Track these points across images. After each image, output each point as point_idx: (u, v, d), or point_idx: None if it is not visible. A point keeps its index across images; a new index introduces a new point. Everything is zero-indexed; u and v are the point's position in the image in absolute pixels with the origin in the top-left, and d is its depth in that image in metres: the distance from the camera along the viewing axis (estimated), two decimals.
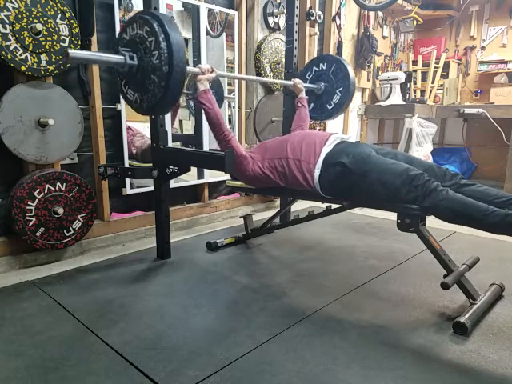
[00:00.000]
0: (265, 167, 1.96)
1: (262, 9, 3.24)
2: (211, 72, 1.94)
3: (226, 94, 3.16)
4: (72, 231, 2.22)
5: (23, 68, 1.96)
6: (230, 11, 3.03)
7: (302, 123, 2.45)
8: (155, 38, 1.52)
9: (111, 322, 1.58)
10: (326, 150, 1.86)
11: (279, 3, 3.30)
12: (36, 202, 2.07)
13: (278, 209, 2.89)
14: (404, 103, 4.26)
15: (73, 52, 1.48)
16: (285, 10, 3.01)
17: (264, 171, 1.96)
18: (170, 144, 2.67)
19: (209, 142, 2.95)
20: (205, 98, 1.89)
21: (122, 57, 1.61)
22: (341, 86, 2.57)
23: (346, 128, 4.33)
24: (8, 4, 1.87)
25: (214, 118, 1.91)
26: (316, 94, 2.66)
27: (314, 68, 2.68)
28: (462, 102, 4.78)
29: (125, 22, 1.69)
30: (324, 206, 2.24)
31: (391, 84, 4.31)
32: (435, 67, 4.70)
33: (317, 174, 1.83)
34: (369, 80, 4.54)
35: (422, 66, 4.89)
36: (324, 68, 2.64)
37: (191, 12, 2.88)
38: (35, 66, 2.00)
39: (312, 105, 2.69)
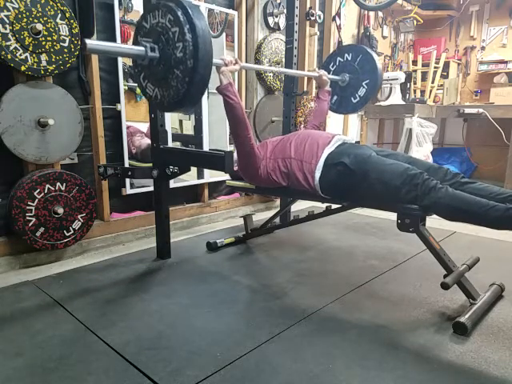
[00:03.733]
0: (269, 167, 1.96)
1: (262, 9, 3.24)
2: (235, 64, 1.82)
3: None
4: (72, 231, 2.22)
5: (23, 68, 1.96)
6: (230, 11, 3.03)
7: (319, 119, 2.41)
8: (179, 29, 1.38)
9: (111, 322, 1.58)
10: (327, 150, 1.86)
11: (279, 3, 3.30)
12: (36, 201, 2.07)
13: (278, 209, 2.89)
14: (404, 103, 4.25)
15: (91, 43, 1.36)
16: (285, 10, 3.01)
17: (268, 171, 1.96)
18: (170, 144, 2.67)
19: (209, 142, 2.95)
20: (231, 92, 1.77)
21: (143, 48, 1.47)
22: (367, 79, 2.43)
23: (345, 128, 4.33)
24: (8, 4, 1.87)
25: (240, 114, 1.80)
26: (340, 86, 2.53)
27: (339, 58, 2.54)
28: (462, 102, 4.78)
29: (145, 8, 1.52)
30: (324, 206, 2.24)
31: (391, 84, 4.31)
32: (435, 67, 4.70)
33: (317, 174, 1.83)
34: None
35: (422, 66, 4.89)
36: (349, 59, 2.49)
37: None
38: (35, 66, 2.00)
39: (335, 97, 2.56)
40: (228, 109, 1.80)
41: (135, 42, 1.58)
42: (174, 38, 1.42)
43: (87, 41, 1.35)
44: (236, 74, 3.16)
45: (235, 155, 2.01)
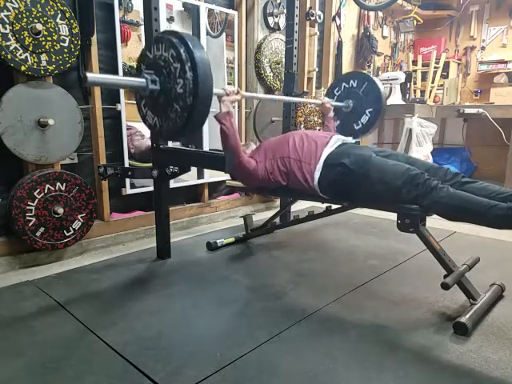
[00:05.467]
0: (268, 167, 1.96)
1: (262, 9, 3.24)
2: (236, 94, 1.85)
3: None
4: (72, 231, 2.22)
5: (23, 68, 1.96)
6: (230, 11, 3.03)
7: None
8: (181, 66, 1.40)
9: (111, 322, 1.58)
10: (327, 151, 1.86)
11: (279, 3, 3.30)
12: (36, 201, 2.07)
13: (278, 209, 2.89)
14: (404, 103, 4.25)
15: (91, 76, 1.38)
16: (285, 10, 3.01)
17: (268, 171, 1.96)
18: (170, 144, 2.67)
19: (209, 142, 2.95)
20: (227, 121, 1.80)
21: (144, 80, 1.49)
22: (371, 107, 2.45)
23: None
24: (8, 4, 1.87)
25: (233, 142, 1.84)
26: (343, 112, 2.54)
27: (344, 84, 2.56)
28: (462, 102, 4.78)
29: (149, 38, 1.52)
30: (324, 206, 2.24)
31: (391, 84, 4.31)
32: (435, 67, 4.70)
33: (317, 175, 1.83)
34: None
35: (422, 66, 4.89)
36: (354, 85, 2.51)
37: (191, 12, 2.88)
38: (35, 66, 2.00)
39: (338, 122, 2.57)
40: (222, 136, 1.84)
41: (138, 71, 1.60)
42: (175, 73, 1.44)
43: (88, 74, 1.36)
44: (236, 73, 3.17)
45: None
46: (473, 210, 1.52)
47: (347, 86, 2.55)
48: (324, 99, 2.45)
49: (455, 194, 1.57)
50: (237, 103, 3.18)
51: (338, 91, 2.60)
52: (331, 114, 2.46)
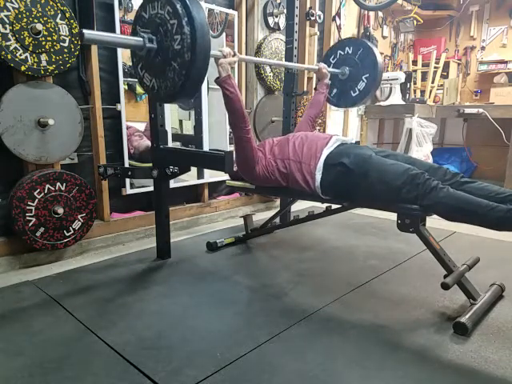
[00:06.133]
0: (269, 166, 1.96)
1: (262, 9, 3.23)
2: (233, 56, 1.82)
3: None
4: (72, 231, 2.22)
5: (23, 68, 1.96)
6: (230, 11, 3.03)
7: (315, 111, 2.41)
8: (178, 21, 1.38)
9: (111, 322, 1.58)
10: (326, 151, 1.86)
11: (279, 3, 3.30)
12: (36, 201, 2.07)
13: (278, 209, 2.89)
14: (404, 103, 4.25)
15: (88, 32, 1.35)
16: (285, 10, 3.01)
17: (268, 170, 1.96)
18: (170, 144, 2.67)
19: (209, 142, 2.95)
20: (229, 84, 1.77)
21: (141, 39, 1.47)
22: (367, 73, 2.43)
23: (345, 128, 4.33)
24: (8, 4, 1.87)
25: (238, 105, 1.81)
26: (340, 80, 2.51)
27: (339, 51, 2.54)
28: (462, 102, 4.78)
29: None
30: (324, 206, 2.24)
31: (391, 84, 4.31)
32: (435, 67, 4.70)
33: (318, 176, 1.83)
34: None
35: (422, 66, 4.89)
36: (350, 52, 2.48)
37: None
38: (35, 66, 2.00)
39: (335, 90, 2.55)
40: (226, 100, 1.81)
41: (133, 32, 1.57)
42: (172, 30, 1.41)
43: (85, 31, 1.34)
44: (236, 73, 3.16)
45: (234, 153, 2.01)
46: (472, 211, 1.52)
47: (342, 53, 2.53)
48: (320, 64, 2.44)
49: (455, 194, 1.57)
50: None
51: (333, 59, 2.59)
52: (327, 80, 2.45)
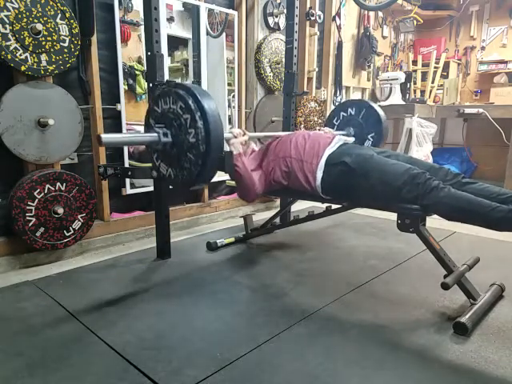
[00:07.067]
0: (270, 169, 1.97)
1: (262, 9, 3.24)
2: (243, 135, 1.93)
3: (225, 94, 3.16)
4: (72, 231, 2.22)
5: (23, 68, 1.96)
6: (230, 11, 3.03)
7: None
8: (191, 116, 1.45)
9: (111, 322, 1.58)
10: (328, 151, 1.87)
11: (279, 3, 3.30)
12: (36, 201, 2.07)
13: (278, 209, 2.89)
14: (404, 103, 4.25)
15: (105, 137, 1.44)
16: (285, 10, 3.01)
17: (270, 173, 1.97)
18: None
19: None
20: (239, 161, 1.84)
21: (156, 134, 1.54)
22: (372, 132, 2.46)
23: None
24: (8, 4, 1.87)
25: (248, 181, 1.88)
26: None
27: (342, 113, 2.58)
28: (462, 102, 4.78)
29: (157, 94, 1.62)
30: (324, 206, 2.24)
31: (391, 84, 4.31)
32: (435, 67, 4.70)
33: (319, 175, 1.83)
34: (369, 80, 4.54)
35: (422, 66, 4.89)
36: (353, 113, 2.53)
37: (191, 12, 2.88)
38: (35, 66, 2.00)
39: None
40: (236, 176, 1.87)
41: (147, 124, 1.63)
42: (186, 124, 1.48)
43: (102, 135, 1.42)
44: (236, 73, 3.17)
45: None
46: (473, 211, 1.52)
47: (345, 114, 2.57)
48: (325, 129, 2.44)
49: (456, 194, 1.56)
50: (237, 102, 3.18)
51: (337, 121, 2.61)
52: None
